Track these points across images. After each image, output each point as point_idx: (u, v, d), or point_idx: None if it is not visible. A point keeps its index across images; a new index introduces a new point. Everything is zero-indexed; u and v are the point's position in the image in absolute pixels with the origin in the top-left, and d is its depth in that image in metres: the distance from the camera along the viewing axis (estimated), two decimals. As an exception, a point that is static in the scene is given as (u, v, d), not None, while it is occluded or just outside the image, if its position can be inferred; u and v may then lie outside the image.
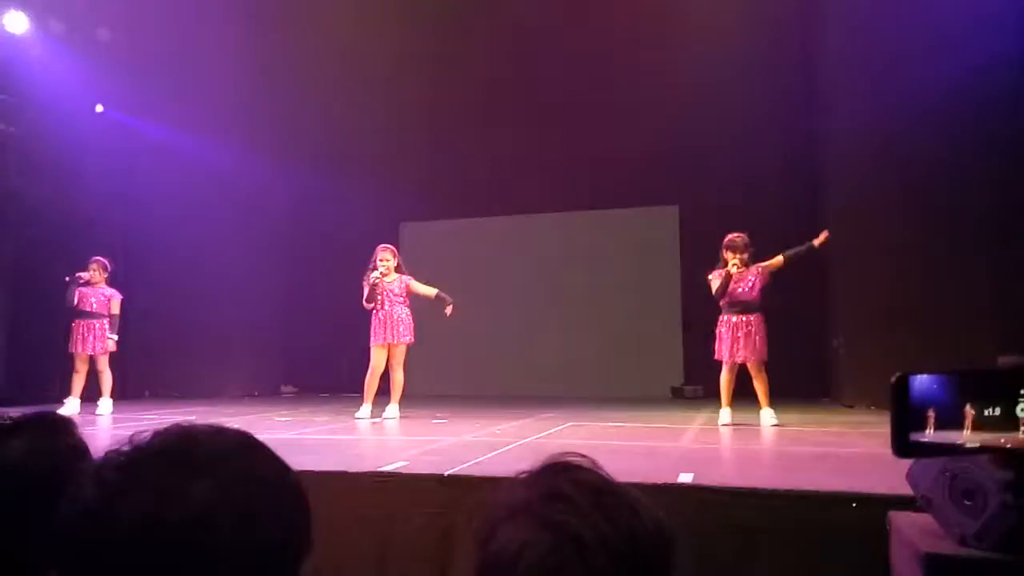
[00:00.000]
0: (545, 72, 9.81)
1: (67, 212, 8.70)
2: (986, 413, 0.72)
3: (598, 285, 10.53)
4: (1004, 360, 0.75)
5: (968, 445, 0.73)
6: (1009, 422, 0.72)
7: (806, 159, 8.92)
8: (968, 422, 0.71)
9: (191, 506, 0.72)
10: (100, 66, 9.25)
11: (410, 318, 7.01)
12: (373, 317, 6.94)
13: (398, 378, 6.97)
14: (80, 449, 1.25)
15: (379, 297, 6.88)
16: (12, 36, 8.50)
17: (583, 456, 0.86)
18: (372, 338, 6.93)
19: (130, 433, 0.78)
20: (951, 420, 0.71)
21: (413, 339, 7.03)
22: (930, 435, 0.71)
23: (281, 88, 10.44)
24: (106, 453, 0.78)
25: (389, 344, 6.88)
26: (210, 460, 0.76)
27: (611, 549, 0.75)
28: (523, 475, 0.85)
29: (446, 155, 10.54)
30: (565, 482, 0.81)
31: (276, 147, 10.51)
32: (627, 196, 10.29)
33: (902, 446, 0.73)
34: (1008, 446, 0.73)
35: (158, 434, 0.78)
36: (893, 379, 0.73)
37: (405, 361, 7.06)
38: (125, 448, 0.77)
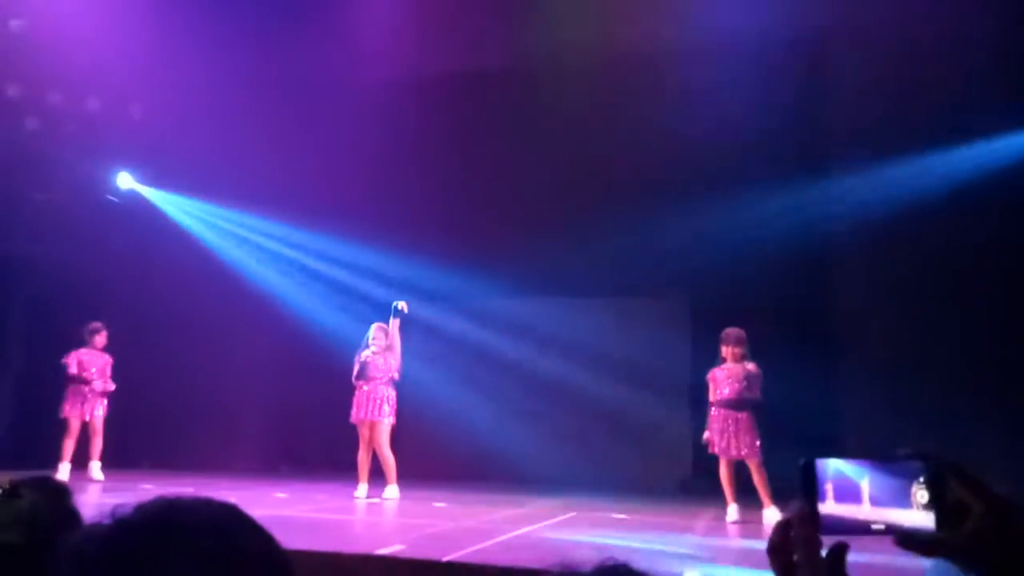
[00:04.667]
0: (555, 157, 9.93)
1: (80, 277, 8.77)
2: (882, 494, 0.78)
3: (605, 372, 10.43)
4: (902, 451, 0.80)
5: (875, 527, 0.78)
6: (904, 502, 0.78)
7: (818, 247, 8.91)
8: (865, 497, 0.78)
9: None
10: (124, 138, 9.47)
11: (394, 399, 7.03)
12: (356, 393, 7.01)
13: (386, 458, 6.90)
14: (73, 517, 1.23)
15: (367, 374, 6.96)
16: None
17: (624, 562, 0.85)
18: (353, 413, 6.97)
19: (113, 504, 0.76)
20: (850, 495, 0.79)
21: (395, 420, 7.03)
22: (831, 506, 0.78)
23: (289, 159, 10.44)
24: (86, 526, 0.76)
25: (371, 421, 6.87)
26: (192, 534, 0.73)
27: None
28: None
29: (454, 239, 10.55)
30: None
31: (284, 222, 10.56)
32: (637, 284, 10.26)
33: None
34: (906, 525, 0.77)
35: (140, 507, 0.75)
36: (800, 463, 0.80)
37: (393, 441, 7.03)
38: (106, 521, 0.74)
